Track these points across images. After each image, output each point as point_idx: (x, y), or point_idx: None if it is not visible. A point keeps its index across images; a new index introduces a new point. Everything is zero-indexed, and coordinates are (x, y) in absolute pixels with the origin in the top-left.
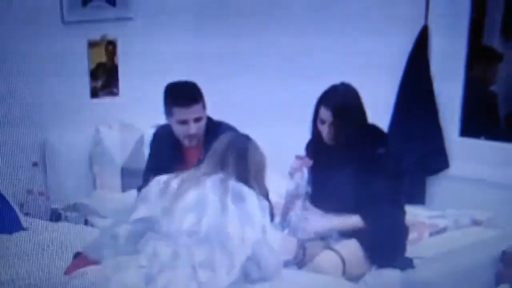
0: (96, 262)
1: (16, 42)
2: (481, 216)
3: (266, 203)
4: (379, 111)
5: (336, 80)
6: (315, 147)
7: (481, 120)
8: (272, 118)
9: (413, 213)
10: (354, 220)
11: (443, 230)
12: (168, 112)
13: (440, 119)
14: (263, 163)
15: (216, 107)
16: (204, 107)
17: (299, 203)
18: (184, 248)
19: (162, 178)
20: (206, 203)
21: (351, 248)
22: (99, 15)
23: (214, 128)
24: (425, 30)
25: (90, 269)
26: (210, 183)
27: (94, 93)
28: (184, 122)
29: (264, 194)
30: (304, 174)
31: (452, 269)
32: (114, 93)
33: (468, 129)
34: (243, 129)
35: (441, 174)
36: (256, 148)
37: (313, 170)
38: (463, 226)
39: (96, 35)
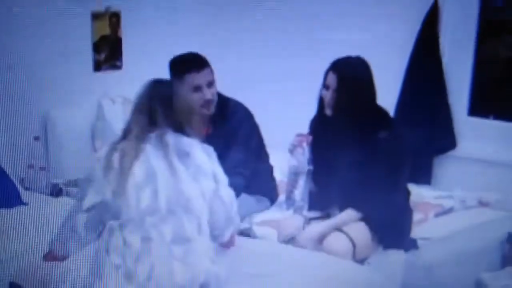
0: (63, 258)
1: (18, 13)
2: (488, 198)
3: (208, 146)
4: (387, 89)
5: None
6: (317, 119)
7: (490, 99)
8: (277, 95)
9: (418, 193)
10: (349, 215)
11: (449, 210)
12: (178, 82)
13: (449, 97)
14: (188, 106)
15: (220, 81)
16: (212, 72)
17: (301, 181)
18: (153, 229)
19: (101, 153)
20: (154, 173)
21: (360, 230)
22: None
23: (223, 103)
24: (434, 7)
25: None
26: (149, 147)
27: (97, 66)
28: (197, 88)
29: (200, 137)
30: (304, 151)
31: (457, 250)
32: (117, 67)
33: (477, 108)
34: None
35: (448, 154)
36: (179, 92)
37: (314, 147)
38: (469, 207)
39: (100, 7)
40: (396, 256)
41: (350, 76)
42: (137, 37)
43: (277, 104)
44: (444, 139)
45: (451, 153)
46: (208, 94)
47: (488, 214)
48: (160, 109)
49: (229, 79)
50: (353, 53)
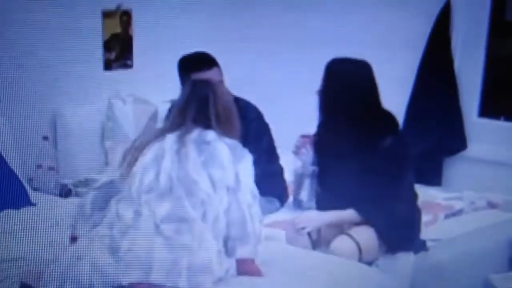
0: (73, 239)
1: (28, 12)
2: (497, 199)
3: (237, 144)
4: (398, 90)
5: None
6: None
7: (501, 100)
8: (287, 97)
9: (429, 194)
10: (350, 215)
11: (459, 212)
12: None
13: (460, 99)
14: (227, 107)
15: (231, 81)
16: (221, 72)
17: (307, 182)
18: (146, 205)
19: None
20: (163, 155)
21: (365, 234)
22: None
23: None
24: (447, 7)
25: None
26: (169, 137)
27: (108, 65)
28: None
29: (236, 137)
30: (308, 152)
31: (466, 251)
32: (128, 66)
33: (487, 109)
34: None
35: (459, 155)
36: (217, 93)
37: (318, 149)
38: (479, 208)
39: (111, 5)
40: (405, 258)
41: (337, 78)
42: (148, 35)
43: (287, 105)
44: (454, 140)
45: (461, 154)
46: None
47: (497, 215)
48: (194, 107)
49: (240, 78)
50: (364, 54)
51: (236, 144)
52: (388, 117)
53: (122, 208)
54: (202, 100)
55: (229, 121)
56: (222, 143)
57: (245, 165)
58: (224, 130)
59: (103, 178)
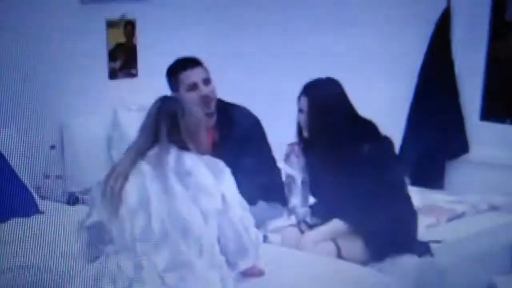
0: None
1: (33, 21)
2: (499, 201)
3: (218, 163)
4: (400, 93)
5: (355, 61)
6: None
7: (502, 104)
8: (281, 104)
9: (431, 198)
10: (335, 226)
11: (461, 215)
12: (175, 85)
13: (461, 102)
14: (195, 122)
15: (228, 89)
16: (207, 71)
17: (298, 190)
18: (144, 257)
19: (103, 178)
20: (148, 196)
21: (354, 246)
22: None
23: (226, 109)
24: (447, 11)
25: None
26: (146, 167)
27: (113, 75)
28: (194, 86)
29: (207, 153)
30: (297, 159)
31: (469, 254)
32: (133, 74)
33: (489, 113)
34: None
35: (461, 159)
36: (185, 110)
37: (306, 157)
38: (481, 211)
39: (115, 15)
40: (409, 260)
41: (320, 98)
42: (153, 44)
43: (278, 114)
44: (456, 143)
45: (463, 157)
46: (205, 90)
47: (500, 217)
48: (165, 124)
49: (241, 88)
50: (364, 58)
51: (211, 160)
52: (366, 123)
53: (121, 261)
54: (171, 116)
55: (198, 135)
56: (202, 168)
57: (227, 180)
58: (196, 145)
59: (93, 217)
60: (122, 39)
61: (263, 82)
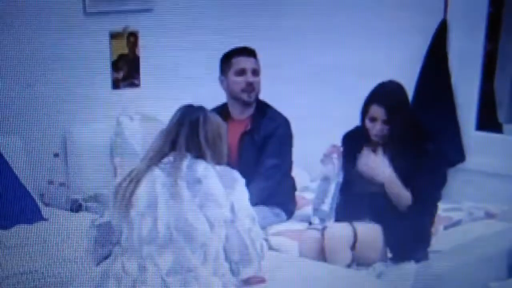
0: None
1: (37, 33)
2: (495, 209)
3: (232, 174)
4: None
5: (356, 75)
6: (358, 141)
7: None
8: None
9: None
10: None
11: (458, 222)
12: (226, 68)
13: (457, 113)
14: (216, 130)
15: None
16: (259, 65)
17: (331, 192)
18: (149, 259)
19: (118, 181)
20: (156, 201)
21: (371, 230)
22: (121, 6)
23: (262, 109)
24: (443, 24)
25: None
26: (159, 173)
27: (116, 85)
28: (242, 72)
29: (223, 163)
30: (334, 162)
31: (465, 261)
32: (136, 85)
33: (484, 123)
34: None
35: (458, 168)
36: (208, 117)
37: (346, 162)
38: (477, 218)
39: (118, 27)
40: (407, 267)
41: (397, 105)
42: (155, 56)
43: (294, 120)
44: (453, 153)
45: (460, 166)
46: (251, 78)
47: (495, 225)
48: (184, 131)
49: None
50: (363, 69)
51: (226, 169)
52: (426, 130)
53: (126, 262)
54: (193, 123)
55: (217, 145)
56: (214, 177)
57: (239, 190)
58: (213, 153)
59: (104, 216)
60: (125, 50)
61: (273, 96)
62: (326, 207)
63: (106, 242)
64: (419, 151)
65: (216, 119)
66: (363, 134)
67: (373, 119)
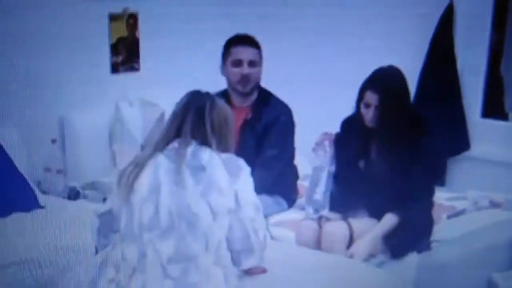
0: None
1: (35, 15)
2: (499, 198)
3: (232, 157)
4: None
5: (358, 60)
6: (354, 127)
7: (503, 102)
8: (297, 99)
9: None
10: (391, 220)
11: (462, 212)
12: (226, 56)
13: (463, 100)
14: (223, 117)
15: None
16: (260, 56)
17: (323, 180)
18: (149, 246)
19: (123, 167)
20: (159, 187)
21: (368, 226)
22: None
23: (264, 97)
24: (449, 9)
25: None
26: (163, 159)
27: (115, 68)
28: (238, 63)
29: (229, 151)
30: (326, 150)
31: (469, 251)
32: (135, 69)
33: (490, 110)
34: None
35: (462, 156)
36: (215, 104)
37: (340, 149)
38: (481, 208)
39: (117, 8)
40: (409, 257)
41: (391, 91)
42: (155, 38)
43: (296, 107)
44: (458, 140)
45: (464, 154)
46: (247, 70)
47: (500, 214)
48: (190, 119)
49: None
50: (368, 57)
51: (231, 157)
52: (421, 120)
53: (126, 249)
54: (199, 109)
55: (223, 133)
56: (218, 165)
57: (243, 179)
58: (219, 140)
59: (106, 205)
60: (124, 33)
61: (269, 75)
62: (318, 196)
63: (109, 232)
64: (412, 141)
65: (224, 106)
66: (357, 120)
67: (367, 105)
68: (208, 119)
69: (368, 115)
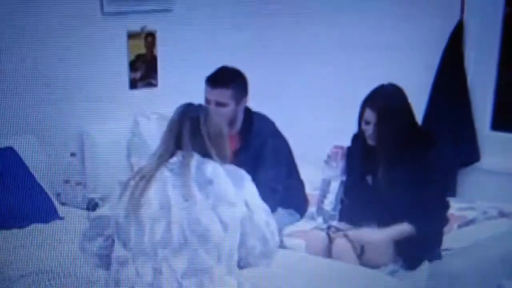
0: None
1: (56, 33)
2: (508, 208)
3: (238, 171)
4: (413, 103)
5: (369, 74)
6: (358, 145)
7: None
8: (308, 109)
9: None
10: (405, 228)
11: (472, 221)
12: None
13: (473, 113)
14: (217, 128)
15: (252, 98)
16: (234, 96)
17: (333, 191)
18: (164, 262)
19: (126, 180)
20: (169, 204)
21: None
22: (138, 6)
23: (250, 119)
24: (460, 25)
25: None
26: (168, 174)
27: (133, 84)
28: (207, 102)
29: (227, 161)
30: (338, 162)
31: (479, 259)
32: (153, 84)
33: (499, 123)
34: (278, 121)
35: (472, 167)
36: (209, 115)
37: (350, 162)
38: (491, 217)
39: (135, 27)
40: (420, 266)
41: (388, 109)
42: (173, 56)
43: (307, 117)
44: (468, 152)
45: (474, 166)
46: (214, 110)
47: (508, 224)
48: (186, 130)
49: (262, 92)
50: (381, 70)
51: (232, 168)
52: (426, 134)
53: (140, 267)
54: (193, 121)
55: (220, 143)
56: (224, 177)
57: (247, 186)
58: (217, 152)
59: (101, 210)
60: (142, 50)
61: (287, 94)
62: (329, 207)
63: (96, 236)
64: (419, 156)
65: (217, 118)
66: (360, 137)
67: (367, 123)
68: (204, 130)
69: (368, 132)
